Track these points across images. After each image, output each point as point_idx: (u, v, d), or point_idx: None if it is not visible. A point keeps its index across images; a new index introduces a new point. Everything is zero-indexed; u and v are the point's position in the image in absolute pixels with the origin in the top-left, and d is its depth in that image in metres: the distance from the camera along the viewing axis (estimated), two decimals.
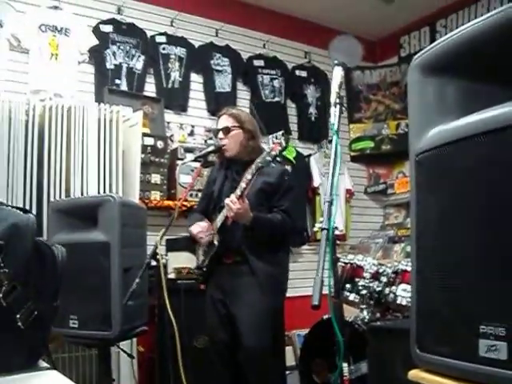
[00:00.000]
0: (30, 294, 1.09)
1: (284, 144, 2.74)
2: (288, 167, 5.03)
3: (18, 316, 1.05)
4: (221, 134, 3.07)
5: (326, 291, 1.52)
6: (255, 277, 2.88)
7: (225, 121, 3.10)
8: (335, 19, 5.75)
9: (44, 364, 1.15)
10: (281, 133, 5.20)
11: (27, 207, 3.35)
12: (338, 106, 1.86)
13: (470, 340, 1.15)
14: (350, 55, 5.39)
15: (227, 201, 2.80)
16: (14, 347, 1.08)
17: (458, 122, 1.26)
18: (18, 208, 1.17)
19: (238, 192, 2.78)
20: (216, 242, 2.97)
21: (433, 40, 5.67)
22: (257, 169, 2.76)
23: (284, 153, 5.06)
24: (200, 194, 4.20)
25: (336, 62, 1.97)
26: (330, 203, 1.57)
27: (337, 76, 1.94)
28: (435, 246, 1.29)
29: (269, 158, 2.74)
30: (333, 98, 1.89)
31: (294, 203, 3.06)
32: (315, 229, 5.31)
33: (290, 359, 4.55)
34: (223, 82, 5.15)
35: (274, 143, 2.78)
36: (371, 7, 5.48)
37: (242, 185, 2.78)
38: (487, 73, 1.26)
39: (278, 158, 2.79)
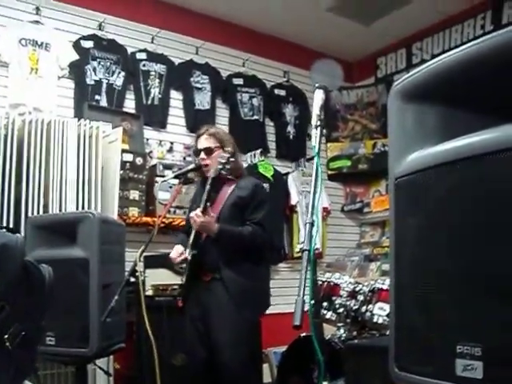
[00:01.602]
0: (18, 314, 1.10)
1: (232, 150, 2.95)
2: (265, 184, 5.08)
3: (5, 336, 1.05)
4: (203, 155, 3.10)
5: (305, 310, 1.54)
6: (230, 293, 2.90)
7: (206, 141, 3.13)
8: (314, 40, 5.84)
9: None
10: (259, 151, 5.25)
11: (4, 222, 3.33)
12: (318, 129, 1.90)
13: (448, 359, 1.18)
14: (331, 79, 5.48)
15: (192, 214, 2.90)
16: (1, 367, 1.08)
17: (436, 147, 1.30)
18: (5, 228, 1.18)
19: (202, 205, 2.87)
20: (189, 258, 2.99)
21: (409, 61, 5.80)
22: (212, 180, 2.90)
23: (262, 171, 5.16)
24: (178, 211, 4.24)
25: (317, 85, 2.01)
26: (312, 225, 1.60)
27: (318, 99, 1.98)
28: (413, 267, 1.33)
29: (219, 167, 2.89)
30: (314, 121, 1.93)
31: (269, 216, 3.09)
32: (296, 249, 5.34)
33: (267, 376, 4.54)
34: (202, 100, 5.17)
35: (224, 152, 2.92)
36: (349, 29, 5.58)
37: (204, 197, 2.89)
38: (464, 101, 1.31)
39: (227, 166, 2.90)
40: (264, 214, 3.06)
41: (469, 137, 1.21)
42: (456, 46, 1.29)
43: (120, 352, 3.00)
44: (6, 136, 3.48)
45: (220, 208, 3.00)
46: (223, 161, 2.86)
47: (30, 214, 3.38)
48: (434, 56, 5.01)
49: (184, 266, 3.06)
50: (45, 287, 1.23)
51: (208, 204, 2.90)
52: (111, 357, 3.36)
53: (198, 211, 2.86)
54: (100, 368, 2.99)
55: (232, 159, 2.91)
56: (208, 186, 2.88)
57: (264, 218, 3.05)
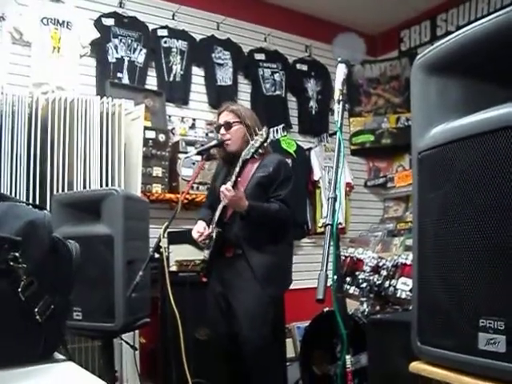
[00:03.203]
0: (47, 289, 1.13)
1: (265, 135, 2.80)
2: (288, 160, 5.07)
3: (36, 310, 1.09)
4: (222, 130, 3.11)
5: (328, 284, 1.55)
6: (253, 269, 2.91)
7: (226, 116, 3.14)
8: (336, 13, 5.76)
9: (60, 356, 1.18)
10: (281, 126, 5.23)
11: (30, 200, 3.38)
12: (341, 103, 1.89)
13: (470, 333, 1.19)
14: (354, 52, 5.41)
15: (222, 188, 2.85)
16: (32, 340, 1.11)
17: (460, 120, 1.29)
18: (33, 205, 1.21)
19: (233, 178, 2.83)
20: (214, 236, 3.01)
21: (433, 34, 5.70)
22: (243, 162, 2.82)
23: (284, 146, 5.14)
24: (201, 187, 4.27)
25: (339, 59, 1.99)
26: (334, 199, 1.60)
27: (340, 73, 1.96)
28: (436, 241, 1.32)
29: (252, 150, 2.79)
30: (336, 95, 1.92)
31: (292, 193, 3.08)
32: (319, 225, 5.34)
33: (290, 351, 4.59)
34: (224, 76, 5.16)
35: (256, 135, 2.83)
36: (372, 1, 5.49)
37: (233, 178, 2.84)
38: (489, 73, 1.29)
39: (260, 150, 2.83)
40: (288, 192, 3.05)
41: (494, 109, 1.19)
42: (483, 17, 1.26)
43: (145, 327, 3.04)
44: (30, 115, 3.51)
45: (244, 186, 2.97)
46: (257, 144, 2.79)
47: (55, 192, 3.41)
48: (459, 27, 4.88)
49: (206, 241, 3.09)
50: (72, 263, 1.25)
51: (239, 179, 2.86)
52: (137, 331, 3.42)
53: (229, 185, 2.83)
54: (126, 342, 3.04)
55: (265, 144, 2.85)
56: (237, 169, 2.82)
57: (288, 195, 3.04)
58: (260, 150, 2.83)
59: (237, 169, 2.83)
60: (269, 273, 2.94)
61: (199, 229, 3.08)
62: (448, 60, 1.36)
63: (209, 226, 3.06)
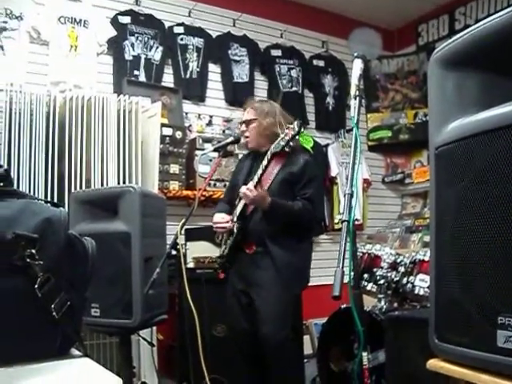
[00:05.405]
0: (63, 285, 1.14)
1: (296, 129, 2.78)
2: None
3: (52, 306, 1.10)
4: (243, 127, 3.13)
5: (345, 281, 1.54)
6: (276, 266, 2.91)
7: (247, 113, 3.17)
8: (353, 8, 5.73)
9: (76, 352, 1.19)
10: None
11: (48, 198, 3.41)
12: (357, 99, 1.88)
13: (489, 331, 1.17)
14: (370, 47, 5.38)
15: (243, 189, 2.86)
16: (49, 336, 1.12)
17: (477, 115, 1.27)
18: (49, 202, 1.22)
19: (256, 179, 2.85)
20: (235, 230, 3.01)
21: (451, 28, 5.63)
22: (271, 154, 2.83)
23: (302, 142, 5.11)
24: (218, 184, 4.28)
25: (356, 54, 1.98)
26: (351, 196, 1.59)
27: (356, 69, 1.95)
28: (454, 237, 1.31)
29: (282, 143, 2.80)
30: (352, 91, 1.91)
31: (319, 192, 3.08)
32: (336, 220, 5.33)
33: (307, 348, 4.58)
34: (241, 72, 5.16)
35: (287, 128, 2.81)
36: None
37: (259, 171, 2.86)
38: (507, 67, 1.27)
39: (291, 143, 2.81)
40: (314, 190, 3.04)
41: (510, 104, 1.18)
42: (502, 10, 1.24)
43: (163, 323, 3.06)
44: (48, 113, 3.54)
45: (269, 183, 2.97)
46: (287, 138, 2.78)
47: (73, 190, 3.43)
48: (478, 21, 4.83)
49: (223, 237, 3.10)
50: (88, 259, 1.26)
51: (263, 177, 2.87)
52: (154, 328, 3.43)
53: (251, 185, 2.84)
54: (143, 338, 3.06)
55: (297, 137, 2.83)
56: (265, 162, 2.85)
57: (314, 194, 3.03)
58: (291, 143, 2.81)
59: (264, 162, 2.85)
60: (293, 271, 2.94)
61: (218, 218, 3.09)
62: (465, 54, 1.34)
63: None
